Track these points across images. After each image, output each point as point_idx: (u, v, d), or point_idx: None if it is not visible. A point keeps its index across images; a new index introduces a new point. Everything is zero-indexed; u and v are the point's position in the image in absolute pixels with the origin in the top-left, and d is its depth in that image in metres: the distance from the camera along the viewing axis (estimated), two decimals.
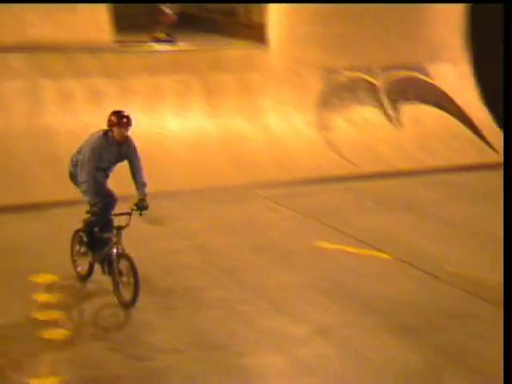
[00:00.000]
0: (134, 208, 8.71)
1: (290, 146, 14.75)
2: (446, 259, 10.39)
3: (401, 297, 9.24)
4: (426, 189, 13.69)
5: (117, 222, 8.79)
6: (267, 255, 10.48)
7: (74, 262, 9.47)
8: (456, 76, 16.45)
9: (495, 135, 15.87)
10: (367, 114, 15.66)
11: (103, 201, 8.80)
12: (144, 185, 8.80)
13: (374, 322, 8.54)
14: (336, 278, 9.76)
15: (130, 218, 8.72)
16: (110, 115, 8.72)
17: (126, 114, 8.74)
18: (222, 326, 8.36)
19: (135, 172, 8.84)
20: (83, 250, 9.27)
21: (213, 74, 14.76)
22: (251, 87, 15.00)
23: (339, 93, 15.57)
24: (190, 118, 14.56)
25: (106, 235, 8.96)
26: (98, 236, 9.05)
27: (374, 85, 15.91)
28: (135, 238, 10.50)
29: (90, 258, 9.20)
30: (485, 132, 15.98)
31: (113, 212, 8.92)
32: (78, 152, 8.86)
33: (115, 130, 8.66)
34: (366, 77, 15.84)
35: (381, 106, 15.79)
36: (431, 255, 10.52)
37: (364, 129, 15.43)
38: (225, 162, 14.09)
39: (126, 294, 8.62)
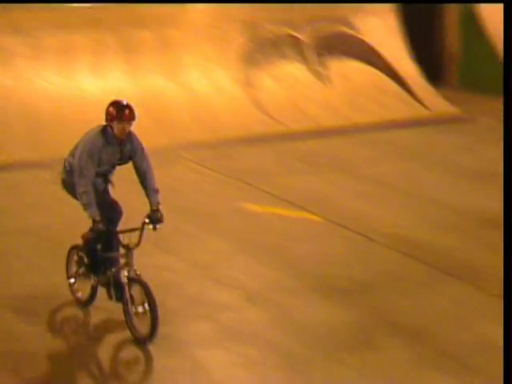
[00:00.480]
0: (146, 221, 7.23)
1: (213, 104, 14.25)
2: (379, 220, 10.12)
3: (334, 259, 8.99)
4: (357, 147, 13.33)
5: (126, 238, 7.33)
6: (193, 219, 10.10)
7: (70, 286, 7.93)
8: (383, 30, 16.11)
9: (424, 90, 15.67)
10: (293, 70, 15.20)
11: (105, 214, 7.34)
12: (156, 192, 7.33)
13: (306, 286, 8.32)
14: (266, 241, 9.46)
15: (141, 235, 7.23)
16: (108, 107, 7.22)
17: (127, 103, 7.24)
18: None
19: (143, 176, 7.36)
20: (83, 271, 7.76)
21: (131, 30, 14.11)
22: (172, 44, 14.42)
23: (263, 48, 15.11)
24: (108, 78, 13.93)
25: (111, 254, 7.54)
26: (101, 255, 7.58)
27: (299, 39, 15.48)
28: (47, 206, 9.98)
29: (92, 281, 7.69)
30: (414, 87, 15.71)
31: (118, 225, 7.50)
32: (71, 155, 7.37)
33: (115, 125, 7.17)
34: (291, 31, 15.39)
35: (307, 61, 15.36)
36: (364, 216, 10.24)
37: (290, 86, 14.98)
38: (146, 123, 13.44)
39: (141, 327, 7.17)
